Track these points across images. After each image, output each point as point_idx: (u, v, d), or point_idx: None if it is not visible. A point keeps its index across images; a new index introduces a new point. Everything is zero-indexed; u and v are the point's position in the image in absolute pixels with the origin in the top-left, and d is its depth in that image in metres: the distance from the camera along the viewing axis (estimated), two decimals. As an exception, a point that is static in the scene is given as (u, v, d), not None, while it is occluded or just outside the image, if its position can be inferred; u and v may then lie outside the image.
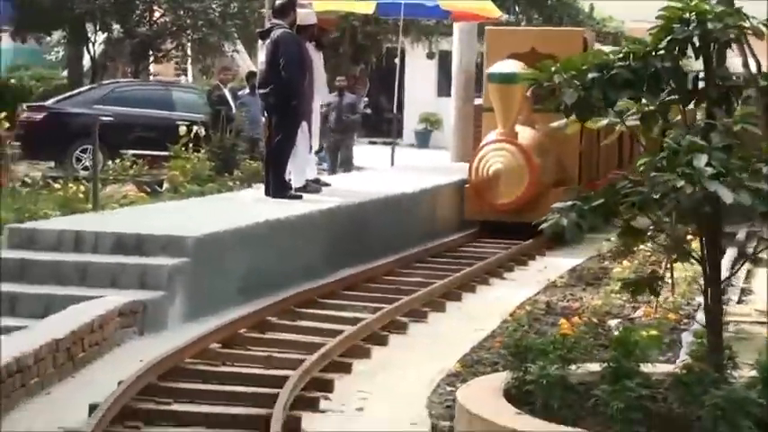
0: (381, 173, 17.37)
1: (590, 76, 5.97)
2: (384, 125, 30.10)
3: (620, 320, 9.39)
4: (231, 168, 16.75)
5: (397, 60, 20.70)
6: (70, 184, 13.65)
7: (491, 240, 13.67)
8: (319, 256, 10.90)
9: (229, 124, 17.68)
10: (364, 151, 24.23)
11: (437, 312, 9.72)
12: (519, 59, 13.45)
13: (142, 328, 8.42)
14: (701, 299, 9.73)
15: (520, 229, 12.69)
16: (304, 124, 12.28)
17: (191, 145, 16.74)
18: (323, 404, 6.88)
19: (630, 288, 6.32)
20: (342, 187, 13.56)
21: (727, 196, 5.36)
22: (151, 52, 26.66)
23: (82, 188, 13.44)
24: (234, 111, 18.44)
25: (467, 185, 14.03)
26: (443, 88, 28.84)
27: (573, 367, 6.32)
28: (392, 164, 18.62)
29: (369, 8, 19.91)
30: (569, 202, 6.06)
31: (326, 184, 13.38)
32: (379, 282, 10.69)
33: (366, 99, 26.78)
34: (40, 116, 20.98)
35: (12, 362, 6.56)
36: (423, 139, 33.69)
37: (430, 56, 28.67)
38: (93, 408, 6.09)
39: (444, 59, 27.68)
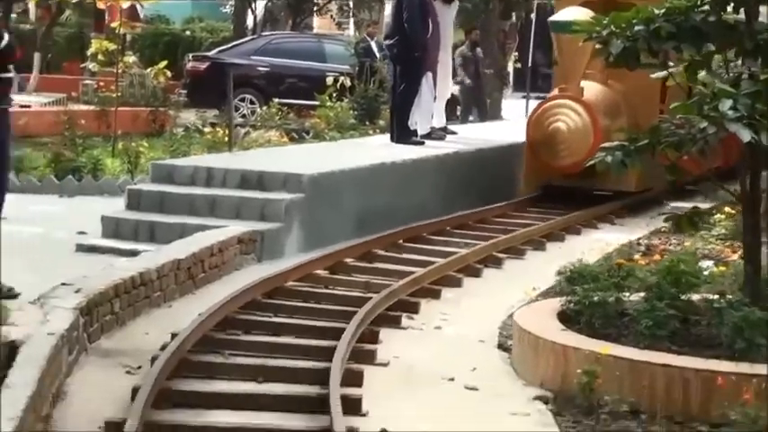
0: (510, 124, 17.92)
1: (636, 28, 6.57)
2: (538, 80, 30.41)
3: (712, 262, 9.84)
4: (373, 117, 17.59)
5: (533, 16, 21.18)
6: (218, 129, 14.76)
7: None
8: (433, 197, 11.63)
9: (373, 75, 18.50)
10: (513, 105, 24.81)
11: (537, 251, 10.35)
12: (593, 8, 11.64)
13: (260, 255, 9.34)
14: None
15: (585, 195, 12.37)
16: (429, 74, 13.00)
17: (335, 95, 17.67)
18: (405, 322, 7.68)
19: (674, 223, 6.91)
20: (467, 135, 14.23)
21: (744, 136, 5.92)
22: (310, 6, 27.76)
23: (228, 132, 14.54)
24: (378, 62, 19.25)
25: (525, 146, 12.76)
26: (595, 43, 28.95)
27: (627, 294, 6.99)
28: (526, 115, 19.16)
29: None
30: (616, 143, 6.72)
31: (453, 132, 14.08)
32: (489, 222, 11.34)
33: (516, 54, 27.25)
34: (203, 66, 22.19)
35: (136, 276, 7.58)
36: (574, 94, 33.91)
37: (577, 11, 28.87)
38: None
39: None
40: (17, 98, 22.38)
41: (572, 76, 12.45)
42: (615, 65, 6.77)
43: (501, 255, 9.83)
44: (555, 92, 12.92)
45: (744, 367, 5.77)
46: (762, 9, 6.44)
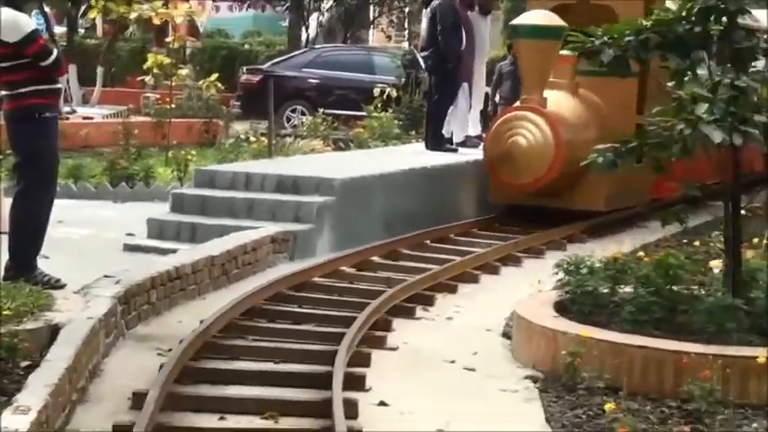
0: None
1: (626, 39, 7.12)
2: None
3: (721, 260, 10.21)
4: (417, 126, 18.14)
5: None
6: (262, 138, 15.48)
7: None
8: (463, 200, 12.19)
9: (419, 86, 19.08)
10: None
11: (557, 251, 10.74)
12: (568, 10, 11.32)
13: (293, 254, 9.94)
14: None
15: (553, 215, 11.49)
16: (465, 85, 13.57)
17: (380, 105, 18.29)
18: (419, 314, 8.28)
19: (661, 217, 7.45)
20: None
21: (717, 137, 6.45)
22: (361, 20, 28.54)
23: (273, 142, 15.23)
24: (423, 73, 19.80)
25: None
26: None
27: (623, 286, 7.50)
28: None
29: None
30: (609, 145, 7.27)
31: (488, 140, 14.59)
32: (515, 225, 11.85)
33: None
34: (256, 78, 22.81)
35: (172, 270, 8.25)
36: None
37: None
38: (229, 308, 7.66)
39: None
40: (81, 110, 23.41)
41: (534, 85, 11.45)
42: (609, 73, 7.33)
43: (520, 254, 10.37)
44: (517, 103, 11.99)
45: (712, 349, 6.30)
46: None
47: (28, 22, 7.81)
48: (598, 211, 11.70)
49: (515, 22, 11.81)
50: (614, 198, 11.63)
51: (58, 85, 8.15)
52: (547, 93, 11.43)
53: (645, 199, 12.02)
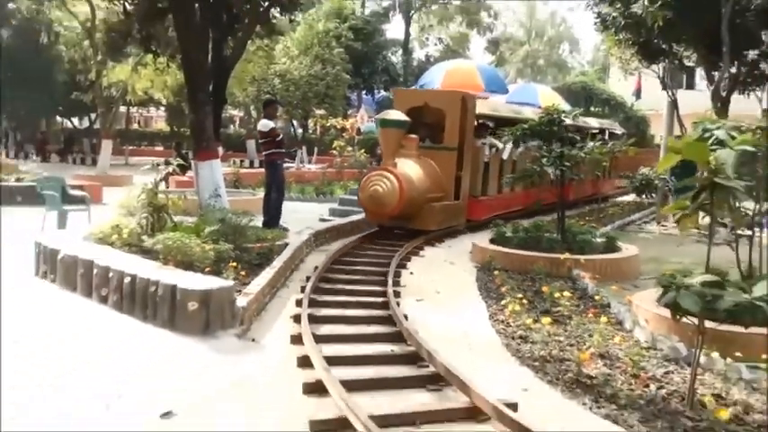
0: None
1: (518, 132, 8.29)
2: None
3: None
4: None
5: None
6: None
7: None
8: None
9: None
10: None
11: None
12: (417, 110, 10.09)
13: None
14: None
15: (408, 231, 9.54)
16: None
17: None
18: (437, 245, 9.33)
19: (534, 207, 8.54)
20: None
21: (550, 170, 7.59)
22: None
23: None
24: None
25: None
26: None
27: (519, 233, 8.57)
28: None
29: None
30: (512, 175, 8.43)
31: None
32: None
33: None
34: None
35: (336, 225, 9.53)
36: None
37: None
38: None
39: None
40: (306, 166, 24.94)
41: (389, 155, 9.44)
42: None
43: (488, 225, 11.16)
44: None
45: (546, 255, 7.42)
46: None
47: (271, 123, 8.98)
48: (431, 230, 9.61)
49: (378, 116, 9.93)
50: (441, 222, 9.87)
51: (283, 150, 9.11)
52: (400, 159, 9.50)
53: (462, 221, 10.42)
